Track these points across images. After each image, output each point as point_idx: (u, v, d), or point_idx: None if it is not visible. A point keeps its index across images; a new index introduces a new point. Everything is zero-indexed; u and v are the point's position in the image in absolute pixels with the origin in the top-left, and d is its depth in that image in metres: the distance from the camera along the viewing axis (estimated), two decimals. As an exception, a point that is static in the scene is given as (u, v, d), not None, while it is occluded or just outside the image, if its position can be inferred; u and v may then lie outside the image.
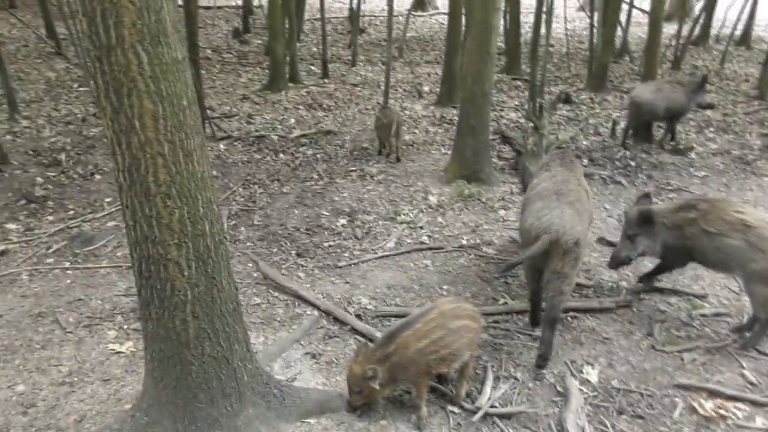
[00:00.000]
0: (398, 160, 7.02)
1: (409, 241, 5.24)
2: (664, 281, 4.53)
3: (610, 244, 5.17)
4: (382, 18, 20.48)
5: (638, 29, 16.65)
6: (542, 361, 3.61)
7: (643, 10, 14.19)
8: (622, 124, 8.44)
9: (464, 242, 5.20)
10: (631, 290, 4.47)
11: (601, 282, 4.63)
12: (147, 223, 2.53)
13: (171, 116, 2.43)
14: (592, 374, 3.59)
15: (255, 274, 4.61)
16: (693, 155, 7.26)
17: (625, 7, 11.72)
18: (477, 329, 3.35)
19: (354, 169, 6.80)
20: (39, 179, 6.09)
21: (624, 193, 6.22)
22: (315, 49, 14.18)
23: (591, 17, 10.78)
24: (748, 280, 3.73)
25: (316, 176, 6.60)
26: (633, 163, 6.98)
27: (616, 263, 4.30)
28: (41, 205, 5.64)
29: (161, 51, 2.34)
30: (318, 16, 18.87)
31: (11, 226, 5.33)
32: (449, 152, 7.38)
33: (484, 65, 5.92)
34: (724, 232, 3.77)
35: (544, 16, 8.52)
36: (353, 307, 4.23)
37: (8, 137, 7.13)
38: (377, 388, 3.05)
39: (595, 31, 11.01)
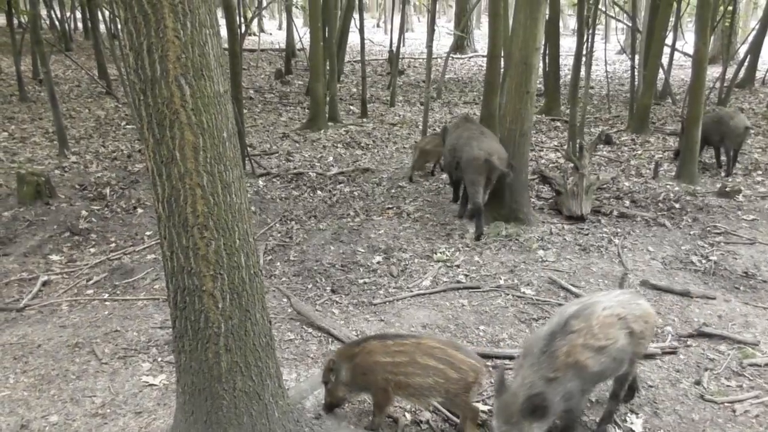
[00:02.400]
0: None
1: (445, 279, 5.15)
2: (713, 327, 4.32)
3: (655, 287, 4.99)
4: (421, 60, 20.82)
5: (680, 72, 16.49)
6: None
7: (685, 53, 14.07)
8: (665, 166, 8.28)
9: (502, 282, 5.09)
10: (676, 336, 4.28)
11: (645, 327, 4.44)
12: (184, 254, 2.54)
13: (211, 148, 2.45)
14: (637, 424, 3.41)
15: (289, 310, 4.58)
16: (741, 198, 7.03)
17: (666, 50, 11.63)
18: (455, 379, 3.11)
19: (391, 206, 6.79)
20: (84, 212, 6.25)
21: (668, 235, 6.03)
22: (355, 90, 14.45)
23: (632, 59, 10.71)
24: None
25: (352, 213, 6.61)
26: (677, 206, 6.79)
27: None
28: (84, 238, 5.77)
29: (204, 84, 2.38)
30: (358, 58, 19.35)
31: (55, 257, 5.45)
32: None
33: (523, 105, 5.90)
34: None
35: (584, 58, 8.50)
36: (387, 345, 4.14)
37: (57, 172, 7.38)
38: (339, 384, 3.20)
39: (636, 72, 10.93)
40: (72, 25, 22.78)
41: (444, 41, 25.82)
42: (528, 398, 2.78)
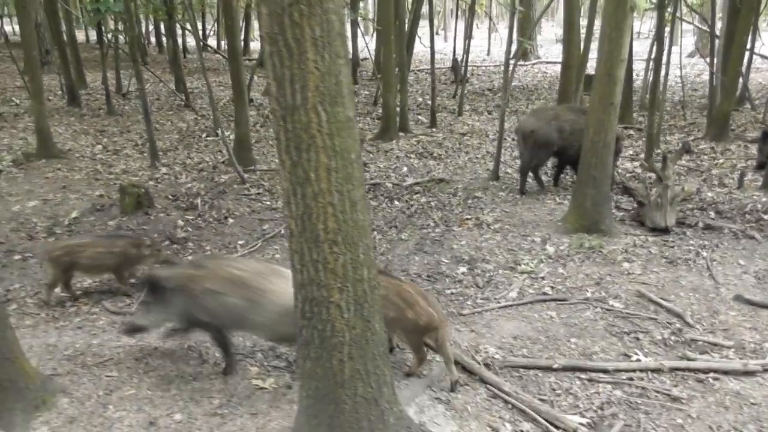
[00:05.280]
0: None
1: (530, 291, 5.21)
2: (817, 345, 4.23)
3: (748, 302, 4.91)
4: (483, 68, 20.82)
5: (757, 75, 15.90)
6: None
7: (764, 56, 13.59)
8: (749, 176, 8.05)
9: (589, 295, 5.11)
10: (778, 352, 4.21)
11: (742, 342, 4.39)
12: (314, 267, 2.73)
13: (341, 169, 2.63)
14: (744, 441, 3.39)
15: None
16: (835, 209, 6.78)
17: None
18: (409, 318, 3.84)
19: (469, 217, 6.89)
20: (180, 222, 6.62)
21: (759, 248, 5.89)
22: (420, 99, 14.60)
23: (711, 65, 10.45)
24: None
25: (432, 224, 6.74)
26: (766, 217, 6.61)
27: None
28: (182, 246, 6.11)
29: (337, 110, 2.57)
30: (420, 67, 19.51)
31: (158, 265, 5.80)
32: (563, 202, 7.34)
33: (606, 116, 5.90)
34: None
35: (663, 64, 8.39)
36: (480, 355, 4.24)
37: (151, 183, 7.82)
38: None
39: (714, 78, 10.65)
40: (145, 41, 23.87)
41: (505, 48, 25.73)
42: None
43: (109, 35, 14.03)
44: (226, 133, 10.70)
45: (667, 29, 9.86)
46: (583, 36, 10.38)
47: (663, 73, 8.57)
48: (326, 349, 2.84)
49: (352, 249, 2.74)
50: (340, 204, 2.66)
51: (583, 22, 12.56)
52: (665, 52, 8.37)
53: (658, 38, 8.18)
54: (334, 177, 2.62)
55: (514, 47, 21.15)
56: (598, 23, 11.78)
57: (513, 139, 10.45)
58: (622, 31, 5.60)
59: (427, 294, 4.14)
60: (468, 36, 13.72)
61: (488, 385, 3.93)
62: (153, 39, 25.96)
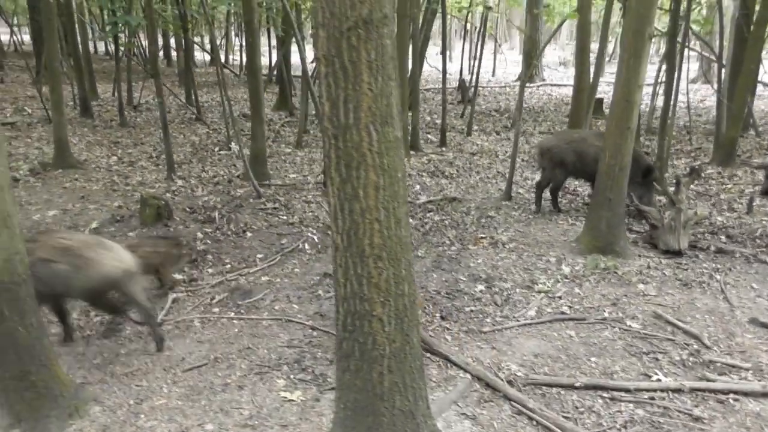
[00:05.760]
0: None
1: (548, 310, 5.28)
2: (834, 369, 4.30)
3: (764, 325, 4.99)
4: (489, 89, 21.06)
5: (759, 102, 16.12)
6: None
7: (766, 84, 13.80)
8: (757, 201, 8.17)
9: (606, 315, 5.18)
10: (796, 376, 4.28)
11: (759, 365, 4.46)
12: (358, 281, 2.81)
13: (389, 187, 2.73)
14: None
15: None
16: (844, 236, 6.88)
17: (750, 80, 11.46)
18: None
19: (484, 236, 6.97)
20: (199, 234, 6.69)
21: (771, 273, 5.99)
22: (429, 118, 14.76)
23: (719, 91, 10.63)
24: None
25: (447, 242, 6.82)
26: (776, 242, 6.72)
27: None
28: (202, 258, 6.18)
29: (387, 130, 2.67)
30: (426, 86, 19.72)
31: (178, 276, 5.87)
32: (575, 223, 7.44)
33: (623, 140, 6.02)
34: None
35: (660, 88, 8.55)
36: (503, 372, 4.31)
37: (168, 195, 7.90)
38: None
39: (720, 104, 10.82)
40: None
41: (510, 69, 26.05)
42: None
43: (122, 48, 14.19)
44: (239, 148, 10.87)
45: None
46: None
47: (664, 97, 8.74)
48: (367, 362, 2.91)
49: (395, 264, 2.82)
50: (386, 220, 2.75)
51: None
52: (672, 77, 8.53)
53: (669, 65, 8.34)
54: (381, 194, 2.71)
55: (517, 68, 21.38)
56: (609, 47, 11.95)
57: (523, 160, 10.61)
58: (641, 58, 5.74)
59: None
60: (477, 57, 13.92)
61: (512, 402, 3.99)
62: (161, 53, 26.21)
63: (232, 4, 13.86)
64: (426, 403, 3.15)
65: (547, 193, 7.98)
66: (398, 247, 2.82)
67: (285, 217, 7.40)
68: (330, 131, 2.67)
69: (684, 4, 9.15)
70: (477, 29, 15.03)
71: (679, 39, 9.02)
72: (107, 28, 13.97)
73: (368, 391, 2.94)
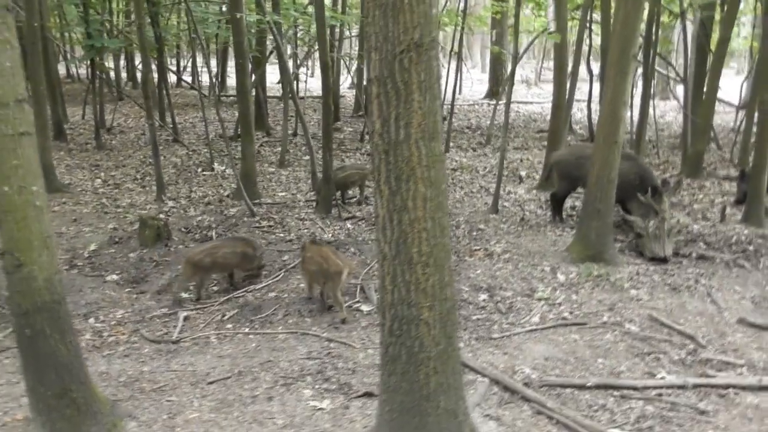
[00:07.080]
0: None
1: (551, 316, 5.52)
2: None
3: (753, 325, 5.33)
4: (458, 106, 21.50)
5: (716, 117, 16.98)
6: None
7: (728, 103, 14.63)
8: (728, 209, 8.65)
9: (605, 319, 5.45)
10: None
11: (752, 361, 4.78)
12: (405, 287, 2.98)
13: (435, 198, 2.92)
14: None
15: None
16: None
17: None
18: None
19: (478, 248, 7.21)
20: (199, 254, 6.74)
21: (750, 276, 6.38)
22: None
23: (685, 107, 11.23)
24: None
25: (443, 255, 7.02)
26: (751, 248, 7.13)
27: None
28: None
29: (434, 145, 2.87)
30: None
31: (184, 295, 5.92)
32: (563, 233, 7.75)
33: (611, 153, 6.36)
34: None
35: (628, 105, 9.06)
36: (518, 375, 4.51)
37: (161, 215, 7.90)
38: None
39: (685, 119, 11.42)
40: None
41: (476, 87, 26.67)
42: None
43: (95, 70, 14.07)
44: (223, 168, 10.92)
45: (639, 70, 10.66)
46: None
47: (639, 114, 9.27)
48: (413, 364, 3.07)
49: (440, 270, 3.00)
50: (432, 229, 2.94)
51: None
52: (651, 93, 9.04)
53: (645, 83, 8.83)
54: (428, 205, 2.90)
55: (483, 87, 21.94)
56: (583, 67, 12.49)
57: (505, 175, 10.93)
58: (626, 75, 6.11)
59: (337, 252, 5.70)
60: (454, 77, 14.26)
61: (531, 403, 4.18)
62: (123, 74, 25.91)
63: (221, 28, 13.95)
64: (464, 403, 3.32)
65: (543, 201, 8.35)
66: (443, 254, 3.01)
67: (282, 235, 7.50)
68: (381, 147, 2.85)
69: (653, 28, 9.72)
70: (450, 50, 15.44)
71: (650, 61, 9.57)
72: (83, 52, 13.82)
73: (415, 392, 3.10)
